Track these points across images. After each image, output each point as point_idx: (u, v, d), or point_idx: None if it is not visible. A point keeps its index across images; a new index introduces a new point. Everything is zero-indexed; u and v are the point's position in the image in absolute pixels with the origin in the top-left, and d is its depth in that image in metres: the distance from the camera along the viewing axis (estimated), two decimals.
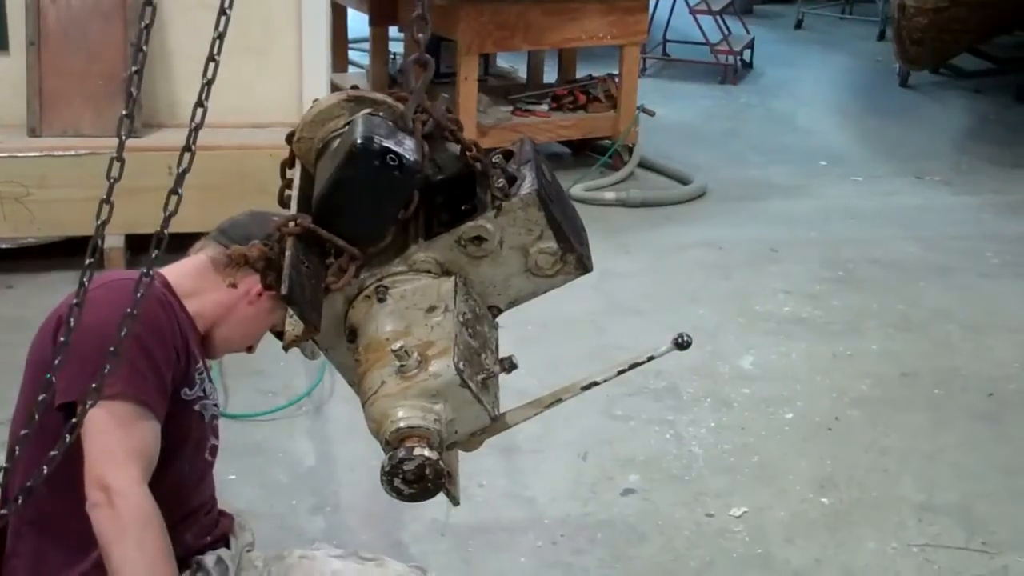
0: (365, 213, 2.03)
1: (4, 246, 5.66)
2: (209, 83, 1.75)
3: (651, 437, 4.54)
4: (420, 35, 2.00)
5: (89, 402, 1.81)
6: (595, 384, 2.13)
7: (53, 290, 5.02)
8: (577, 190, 7.05)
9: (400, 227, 2.09)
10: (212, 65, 1.76)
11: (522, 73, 8.72)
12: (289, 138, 2.22)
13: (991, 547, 3.94)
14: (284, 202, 2.20)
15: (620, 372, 2.13)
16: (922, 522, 4.06)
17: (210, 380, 2.61)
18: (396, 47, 8.68)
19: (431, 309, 2.03)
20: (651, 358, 2.12)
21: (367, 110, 2.11)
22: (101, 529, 2.23)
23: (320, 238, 2.02)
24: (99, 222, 1.76)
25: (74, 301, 1.79)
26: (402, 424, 1.91)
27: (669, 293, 5.89)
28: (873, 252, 6.51)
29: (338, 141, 2.10)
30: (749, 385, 4.97)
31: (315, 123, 2.17)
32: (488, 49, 7.58)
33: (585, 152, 7.90)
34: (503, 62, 8.96)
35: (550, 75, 8.56)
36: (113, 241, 5.42)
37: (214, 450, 2.68)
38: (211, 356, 2.66)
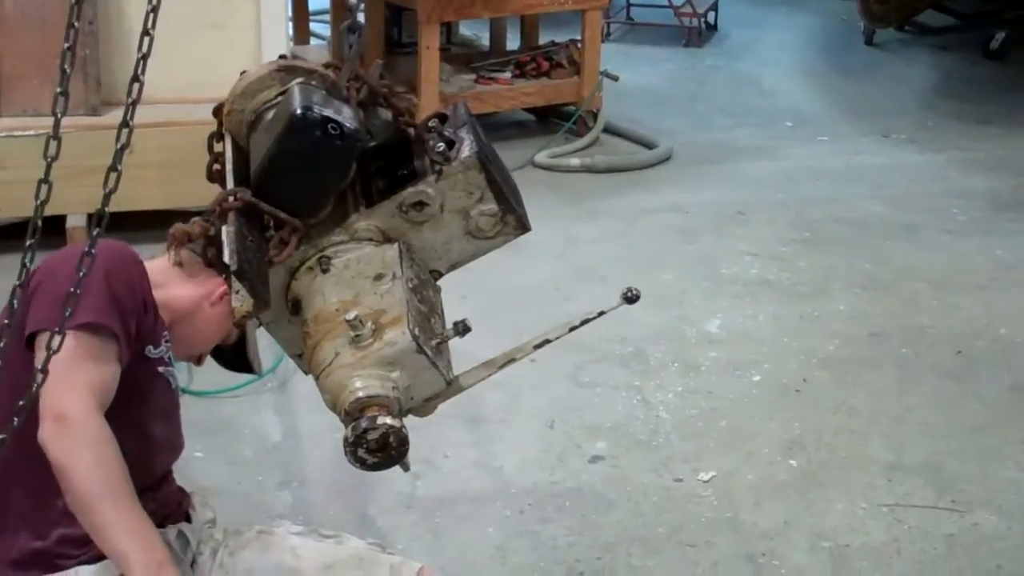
0: (307, 184, 2.03)
1: None
2: (144, 57, 1.73)
3: (618, 403, 4.53)
4: (352, 1, 2.00)
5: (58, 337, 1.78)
6: (547, 342, 2.15)
7: (13, 272, 4.95)
8: (542, 157, 7.00)
9: (338, 196, 2.09)
10: (147, 39, 1.74)
11: (485, 41, 8.67)
12: (217, 111, 2.20)
13: (960, 505, 3.95)
14: (212, 176, 2.19)
15: (572, 329, 2.15)
16: (891, 482, 4.07)
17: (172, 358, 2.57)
18: (360, 17, 8.63)
19: (378, 277, 2.03)
20: (602, 313, 2.16)
21: (299, 79, 2.10)
22: (55, 453, 2.11)
23: (261, 211, 2.01)
24: (38, 202, 1.74)
25: (16, 283, 1.78)
26: (361, 394, 1.92)
27: (635, 259, 5.87)
28: (839, 212, 6.50)
29: (272, 112, 2.09)
30: (716, 348, 4.96)
31: (245, 95, 2.16)
32: (449, 17, 7.51)
33: (549, 119, 7.85)
34: (465, 30, 8.90)
35: (513, 42, 8.50)
36: (75, 220, 5.36)
37: None
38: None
